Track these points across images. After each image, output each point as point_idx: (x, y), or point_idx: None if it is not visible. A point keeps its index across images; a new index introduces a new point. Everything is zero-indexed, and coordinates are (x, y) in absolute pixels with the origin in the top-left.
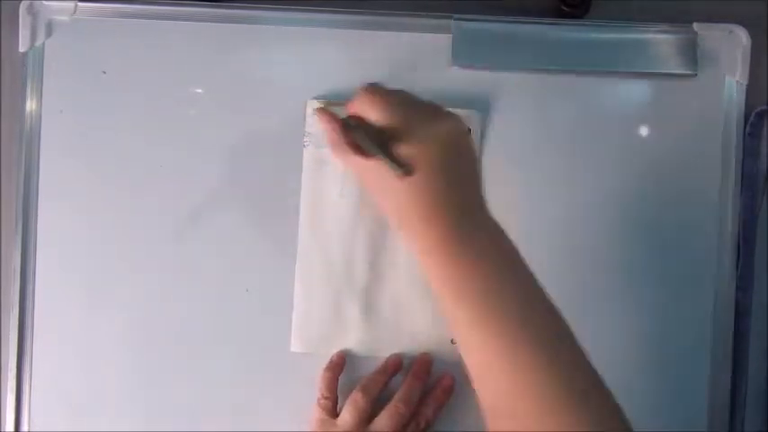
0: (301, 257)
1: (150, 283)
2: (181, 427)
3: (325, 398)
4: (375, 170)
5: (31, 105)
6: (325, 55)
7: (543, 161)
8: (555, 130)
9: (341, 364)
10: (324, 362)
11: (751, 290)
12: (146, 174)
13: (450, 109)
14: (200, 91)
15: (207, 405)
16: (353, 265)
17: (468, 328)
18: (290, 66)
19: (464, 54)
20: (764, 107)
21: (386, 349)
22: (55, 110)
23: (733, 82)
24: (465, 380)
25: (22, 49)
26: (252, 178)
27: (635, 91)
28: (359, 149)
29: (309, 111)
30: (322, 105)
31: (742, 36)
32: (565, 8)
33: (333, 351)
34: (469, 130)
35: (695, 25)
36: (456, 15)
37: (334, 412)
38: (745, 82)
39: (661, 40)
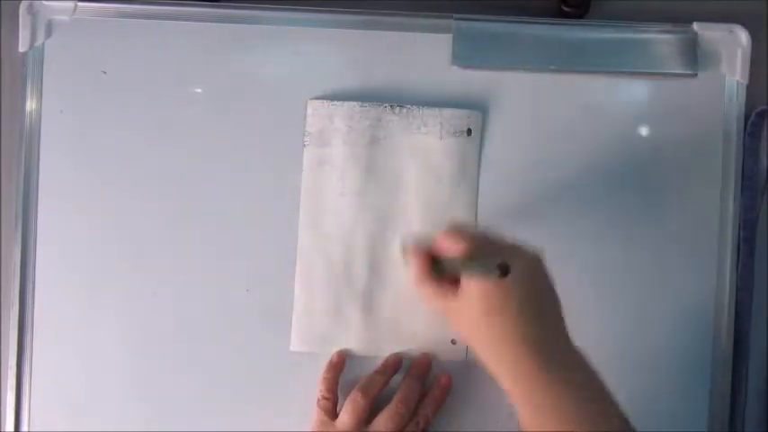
0: (301, 257)
1: (150, 283)
2: (181, 427)
3: (325, 398)
4: (462, 307)
5: (31, 105)
6: (325, 55)
7: (543, 161)
8: (555, 130)
9: (341, 364)
10: (324, 362)
11: (751, 290)
12: (145, 173)
13: (451, 109)
14: (200, 91)
15: (207, 405)
16: (353, 265)
17: None
18: (290, 66)
19: (464, 54)
20: (764, 107)
21: (386, 349)
22: (55, 110)
23: (733, 82)
24: (464, 379)
25: (22, 49)
26: (252, 178)
27: (635, 91)
28: (447, 282)
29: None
30: (409, 244)
31: (742, 36)
32: (565, 8)
33: (333, 351)
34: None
35: (695, 25)
36: (456, 15)
37: (333, 412)
38: (745, 82)
39: (661, 40)
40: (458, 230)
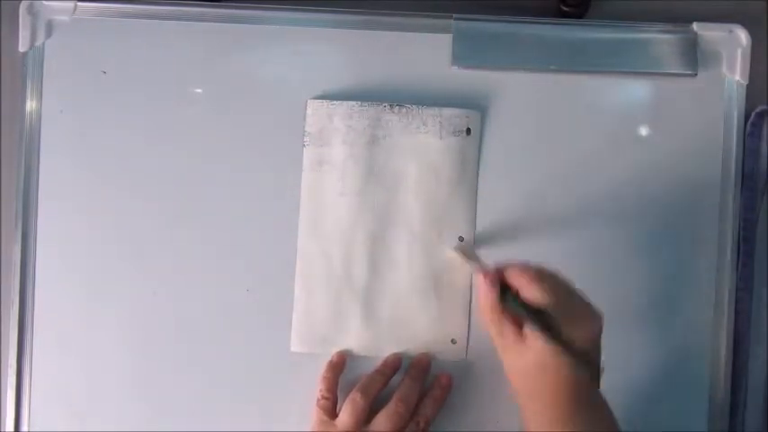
0: (301, 257)
1: (150, 283)
2: (181, 427)
3: (325, 398)
4: (517, 351)
5: (31, 105)
6: (325, 55)
7: (543, 161)
8: (555, 130)
9: (341, 364)
10: (324, 362)
11: (751, 290)
12: (145, 173)
13: (450, 108)
14: (200, 91)
15: (207, 405)
16: (353, 265)
17: None
18: (290, 66)
19: (464, 54)
20: (764, 107)
21: (386, 349)
22: (55, 110)
23: (733, 82)
24: (464, 379)
25: (22, 49)
26: (252, 178)
27: (635, 91)
28: (511, 319)
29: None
30: (488, 270)
31: (742, 36)
32: (565, 8)
33: (333, 351)
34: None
35: (695, 25)
36: (456, 15)
37: (333, 412)
38: (745, 82)
39: (661, 40)
40: (541, 277)
